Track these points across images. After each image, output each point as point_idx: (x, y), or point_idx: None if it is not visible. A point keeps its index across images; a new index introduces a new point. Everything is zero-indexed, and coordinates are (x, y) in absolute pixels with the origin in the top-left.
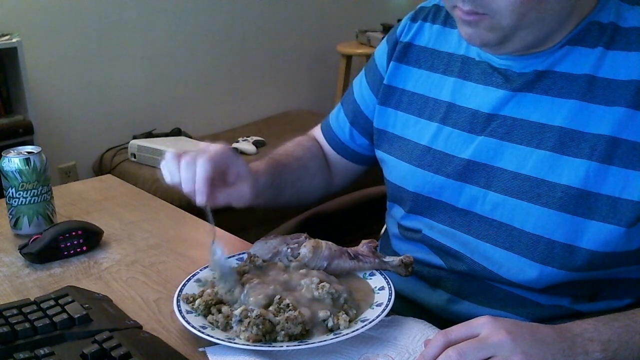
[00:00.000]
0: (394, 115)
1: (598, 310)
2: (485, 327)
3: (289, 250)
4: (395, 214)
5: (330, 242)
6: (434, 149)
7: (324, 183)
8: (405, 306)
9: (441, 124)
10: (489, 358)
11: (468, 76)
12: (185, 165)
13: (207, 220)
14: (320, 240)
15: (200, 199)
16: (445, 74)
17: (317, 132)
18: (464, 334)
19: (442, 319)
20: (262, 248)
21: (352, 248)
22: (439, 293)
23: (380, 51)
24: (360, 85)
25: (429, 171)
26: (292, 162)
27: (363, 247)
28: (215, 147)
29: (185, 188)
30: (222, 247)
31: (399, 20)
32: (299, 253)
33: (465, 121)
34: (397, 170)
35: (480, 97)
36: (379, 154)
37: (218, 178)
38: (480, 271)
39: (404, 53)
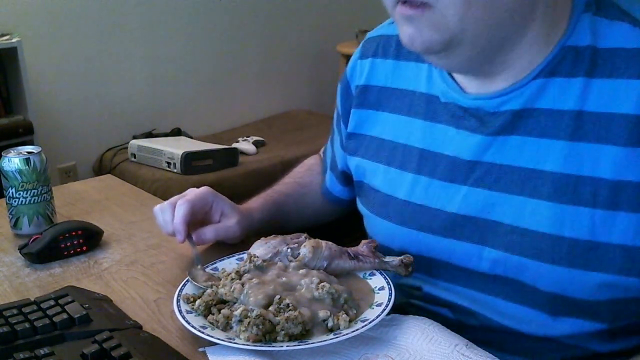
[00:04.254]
0: (360, 164)
1: (618, 349)
2: None
3: (289, 250)
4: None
5: (330, 242)
6: (413, 203)
7: (337, 204)
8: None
9: (416, 174)
10: None
11: (436, 118)
12: (164, 209)
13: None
14: (320, 240)
15: (179, 238)
16: (410, 114)
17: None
18: None
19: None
20: (262, 248)
21: (352, 248)
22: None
23: (338, 97)
24: (332, 134)
25: (413, 228)
26: (295, 190)
27: (363, 247)
28: (195, 190)
29: (165, 230)
30: (199, 273)
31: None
32: (299, 253)
33: (444, 170)
34: (377, 228)
35: (455, 142)
36: (359, 206)
37: (202, 218)
38: (495, 325)
39: (362, 98)
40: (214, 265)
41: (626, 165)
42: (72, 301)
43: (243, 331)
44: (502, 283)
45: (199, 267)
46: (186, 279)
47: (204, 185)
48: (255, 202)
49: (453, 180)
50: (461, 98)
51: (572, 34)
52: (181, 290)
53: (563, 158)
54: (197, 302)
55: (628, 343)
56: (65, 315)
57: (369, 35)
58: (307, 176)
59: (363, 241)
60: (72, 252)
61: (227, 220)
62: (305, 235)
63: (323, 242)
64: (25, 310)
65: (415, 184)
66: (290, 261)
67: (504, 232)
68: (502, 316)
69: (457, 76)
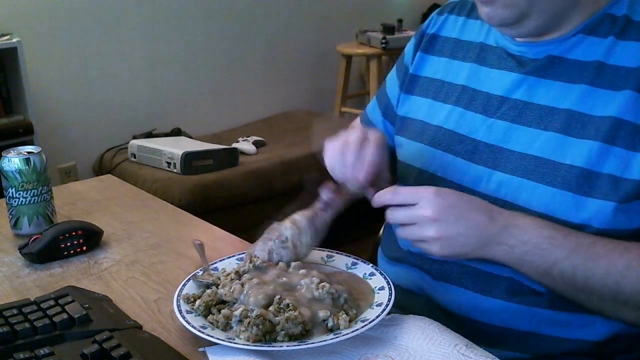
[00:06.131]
0: (412, 101)
1: None
2: (423, 200)
3: (276, 241)
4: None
5: (298, 213)
6: (445, 129)
7: None
8: (410, 299)
9: (454, 106)
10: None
11: (484, 61)
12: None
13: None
14: (292, 217)
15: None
16: (464, 60)
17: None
18: (407, 199)
19: (446, 311)
20: (257, 253)
21: (317, 204)
22: (444, 286)
23: (409, 45)
24: (391, 78)
25: (438, 149)
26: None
27: (325, 194)
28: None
29: (340, 173)
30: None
31: (399, 21)
32: (286, 237)
33: (478, 103)
34: (407, 150)
35: (494, 81)
36: (397, 139)
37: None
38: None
39: (429, 44)
40: (214, 265)
41: (630, 108)
42: (72, 301)
43: (243, 331)
44: (500, 206)
45: (202, 272)
46: (186, 278)
47: (204, 185)
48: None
49: (484, 113)
50: (510, 45)
51: (613, 5)
52: (181, 290)
53: (579, 99)
54: (197, 302)
55: None
56: (65, 315)
57: (450, 0)
58: None
59: (321, 190)
60: (72, 252)
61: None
62: (275, 222)
63: (295, 217)
64: (25, 310)
65: (450, 113)
66: (284, 247)
67: (515, 159)
68: None
69: None
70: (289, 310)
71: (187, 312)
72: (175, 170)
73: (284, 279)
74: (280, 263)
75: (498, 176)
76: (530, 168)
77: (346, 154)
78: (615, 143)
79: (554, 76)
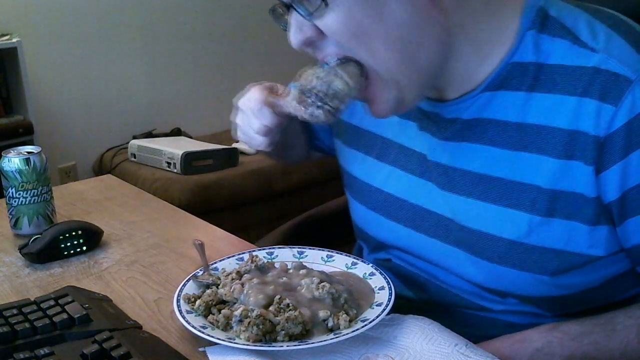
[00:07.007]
0: (349, 153)
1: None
2: None
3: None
4: (364, 249)
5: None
6: (385, 192)
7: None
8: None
9: (392, 166)
10: None
11: (408, 115)
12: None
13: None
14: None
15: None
16: None
17: None
18: None
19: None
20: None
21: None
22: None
23: None
24: None
25: (382, 215)
26: None
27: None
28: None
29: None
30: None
31: None
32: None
33: (414, 165)
34: (355, 211)
35: (422, 141)
36: (346, 191)
37: None
38: (448, 297)
39: None
40: (214, 265)
41: (560, 176)
42: (72, 301)
43: (243, 331)
44: (448, 272)
45: (202, 272)
46: (186, 278)
47: (204, 185)
48: None
49: (422, 176)
50: (423, 103)
51: (516, 50)
52: (181, 290)
53: (509, 166)
54: (197, 302)
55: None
56: (65, 315)
57: None
58: None
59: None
60: (72, 252)
61: None
62: None
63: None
64: (25, 310)
65: (390, 175)
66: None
67: (455, 229)
68: (451, 294)
69: None
70: (289, 310)
71: (187, 312)
72: (175, 170)
73: (284, 279)
74: (281, 264)
75: (440, 247)
76: (471, 242)
77: (241, 125)
78: (555, 215)
79: (475, 139)
